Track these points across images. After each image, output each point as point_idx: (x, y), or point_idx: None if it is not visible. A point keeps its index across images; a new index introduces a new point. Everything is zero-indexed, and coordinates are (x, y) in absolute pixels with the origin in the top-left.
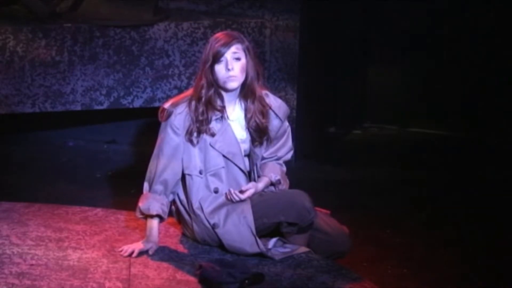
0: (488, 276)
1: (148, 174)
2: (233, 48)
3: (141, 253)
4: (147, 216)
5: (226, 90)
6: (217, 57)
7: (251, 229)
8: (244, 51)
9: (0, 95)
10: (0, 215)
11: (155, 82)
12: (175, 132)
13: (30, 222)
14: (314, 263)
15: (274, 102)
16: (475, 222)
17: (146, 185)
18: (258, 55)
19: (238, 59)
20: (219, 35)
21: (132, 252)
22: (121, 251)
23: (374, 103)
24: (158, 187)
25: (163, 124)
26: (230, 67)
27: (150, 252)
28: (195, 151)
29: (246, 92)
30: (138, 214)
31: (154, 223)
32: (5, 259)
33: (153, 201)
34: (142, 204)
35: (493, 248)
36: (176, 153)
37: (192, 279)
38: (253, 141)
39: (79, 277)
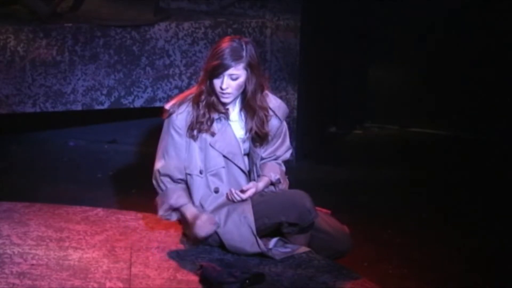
0: (488, 276)
1: (155, 175)
2: (232, 70)
3: (142, 252)
4: (174, 210)
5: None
6: (214, 74)
7: (252, 229)
8: (245, 69)
9: (1, 95)
10: (1, 215)
11: (156, 82)
12: (177, 133)
13: (31, 222)
14: (314, 263)
15: (273, 101)
16: (475, 222)
17: (155, 185)
18: (260, 55)
19: (235, 79)
20: (224, 47)
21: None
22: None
23: (375, 103)
24: (168, 184)
25: (165, 125)
26: (224, 86)
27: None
28: (196, 151)
29: (245, 105)
30: (163, 213)
31: (187, 208)
32: (6, 259)
33: (173, 195)
34: (165, 204)
35: (493, 248)
36: (180, 153)
37: (193, 279)
38: (253, 141)
39: (80, 277)
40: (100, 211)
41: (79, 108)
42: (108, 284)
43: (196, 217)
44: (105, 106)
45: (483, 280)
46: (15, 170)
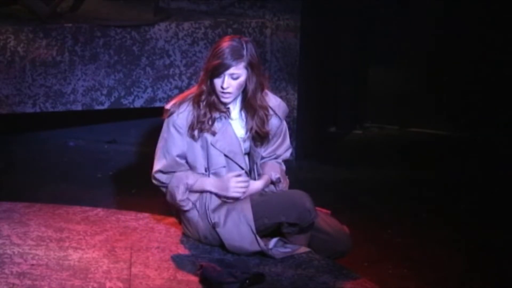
0: (488, 276)
1: (156, 175)
2: (232, 69)
3: (142, 252)
4: (191, 192)
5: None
6: (215, 73)
7: (251, 227)
8: (246, 68)
9: (1, 95)
10: (1, 215)
11: (155, 82)
12: (178, 132)
13: (31, 222)
14: (314, 263)
15: (273, 100)
16: (475, 222)
17: (158, 183)
18: (260, 55)
19: (236, 78)
20: (224, 46)
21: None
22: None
23: (374, 103)
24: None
25: (165, 124)
26: (225, 85)
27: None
28: (198, 150)
29: (246, 104)
30: (181, 197)
31: (203, 180)
32: (6, 259)
33: (183, 176)
34: (181, 185)
35: (493, 247)
36: (181, 152)
37: (193, 279)
38: (254, 140)
39: (80, 277)
40: (100, 211)
41: (79, 108)
42: (108, 284)
43: (222, 182)
44: (105, 106)
45: (483, 280)
46: (15, 170)
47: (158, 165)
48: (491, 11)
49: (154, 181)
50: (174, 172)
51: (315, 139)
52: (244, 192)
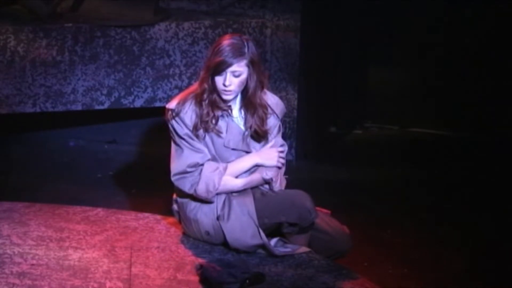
0: (488, 276)
1: (190, 170)
2: (234, 67)
3: (142, 252)
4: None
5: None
6: (217, 71)
7: (253, 219)
8: (247, 65)
9: (1, 95)
10: (1, 215)
11: (156, 82)
12: (190, 130)
13: (31, 222)
14: (314, 263)
15: (271, 99)
16: (475, 222)
17: (193, 179)
18: (260, 55)
19: (238, 76)
20: (226, 44)
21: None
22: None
23: (375, 103)
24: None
25: (175, 125)
26: (227, 83)
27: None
28: (210, 145)
29: (246, 102)
30: (218, 185)
31: (243, 157)
32: (6, 259)
33: (219, 164)
34: (218, 171)
35: (493, 248)
36: (201, 147)
37: (193, 279)
38: (253, 139)
39: (80, 277)
40: (100, 211)
41: (79, 108)
42: (108, 284)
43: (267, 152)
44: (105, 106)
45: (483, 280)
46: (15, 170)
47: (184, 160)
48: (491, 11)
49: (182, 175)
50: (201, 165)
51: (315, 139)
52: (284, 163)
